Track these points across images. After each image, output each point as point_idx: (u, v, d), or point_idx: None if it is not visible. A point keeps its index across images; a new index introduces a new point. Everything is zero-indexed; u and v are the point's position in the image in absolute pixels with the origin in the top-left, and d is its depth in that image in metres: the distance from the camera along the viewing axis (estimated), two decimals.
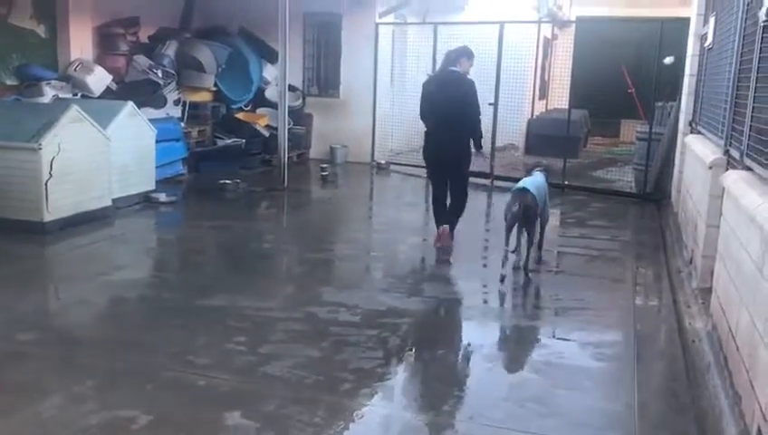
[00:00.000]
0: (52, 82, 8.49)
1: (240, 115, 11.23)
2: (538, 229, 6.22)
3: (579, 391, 3.75)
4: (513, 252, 5.94)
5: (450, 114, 6.32)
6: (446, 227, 6.57)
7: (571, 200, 9.40)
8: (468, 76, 6.50)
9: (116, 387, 3.60)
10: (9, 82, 8.40)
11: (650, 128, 9.46)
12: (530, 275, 5.81)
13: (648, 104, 10.01)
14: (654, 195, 9.29)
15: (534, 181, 6.14)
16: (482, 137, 6.65)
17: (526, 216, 5.77)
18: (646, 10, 14.47)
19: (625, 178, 10.25)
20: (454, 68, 6.43)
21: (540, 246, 6.36)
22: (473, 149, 6.61)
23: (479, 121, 6.53)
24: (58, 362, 3.90)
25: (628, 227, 8.31)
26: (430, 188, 7.18)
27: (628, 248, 7.06)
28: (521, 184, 6.03)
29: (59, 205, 6.50)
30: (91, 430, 3.14)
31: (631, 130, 11.71)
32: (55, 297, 5.35)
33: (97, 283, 5.38)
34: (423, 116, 6.63)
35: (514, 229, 5.87)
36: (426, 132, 6.65)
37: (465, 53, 6.52)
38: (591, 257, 6.63)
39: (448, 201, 6.69)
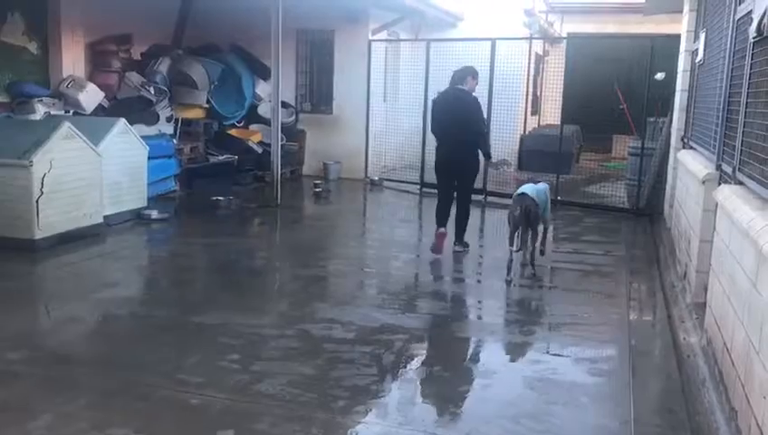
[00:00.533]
0: (44, 98, 8.47)
1: (233, 132, 11.22)
2: (541, 229, 6.68)
3: (574, 407, 3.73)
4: (517, 251, 6.30)
5: (457, 128, 6.79)
6: (444, 229, 6.89)
7: (564, 216, 9.41)
8: (473, 93, 6.98)
9: (107, 406, 3.55)
10: (1, 99, 8.38)
11: (642, 143, 9.50)
12: (535, 268, 6.28)
13: (639, 120, 10.07)
14: (646, 210, 9.32)
15: (534, 187, 6.57)
16: (489, 147, 7.37)
17: (527, 218, 6.18)
18: (636, 27, 14.59)
19: (617, 193, 10.28)
20: (460, 86, 6.93)
21: (543, 244, 6.80)
22: (482, 159, 7.19)
23: (485, 133, 7.39)
24: (48, 381, 3.84)
25: (622, 243, 8.32)
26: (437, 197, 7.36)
27: (622, 263, 7.06)
28: (521, 189, 6.53)
29: (50, 222, 6.46)
30: None
31: (623, 145, 11.75)
32: (46, 315, 5.29)
33: (88, 301, 5.34)
34: (433, 130, 7.20)
35: (518, 232, 6.26)
36: (436, 146, 7.16)
37: (470, 72, 7.01)
38: (585, 273, 6.63)
39: (453, 212, 7.12)
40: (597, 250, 7.54)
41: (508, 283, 6.00)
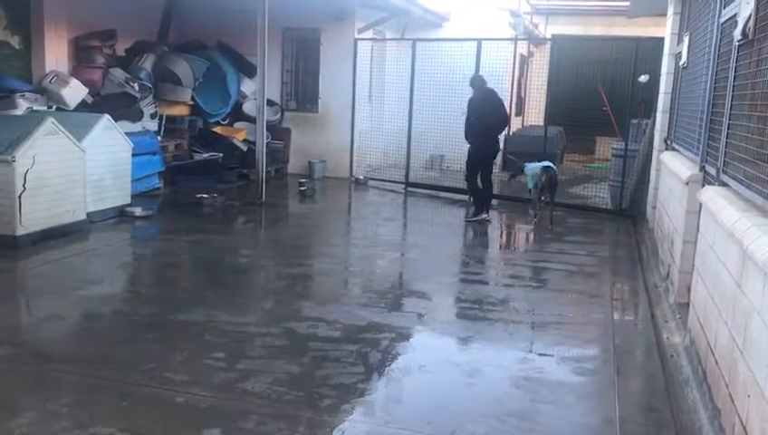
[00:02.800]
0: (27, 94, 8.35)
1: (217, 129, 11.17)
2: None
3: (560, 405, 3.75)
4: (535, 218, 8.82)
5: (491, 118, 8.59)
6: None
7: (548, 216, 9.44)
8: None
9: (91, 404, 3.51)
10: None
11: (626, 145, 9.58)
12: (553, 224, 8.39)
13: (623, 121, 10.15)
14: (630, 211, 9.39)
15: (548, 162, 8.78)
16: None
17: (552, 184, 8.61)
18: (620, 29, 14.71)
19: (601, 194, 10.35)
20: (489, 86, 8.77)
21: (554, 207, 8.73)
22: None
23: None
24: (30, 379, 3.80)
25: (605, 243, 8.37)
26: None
27: (605, 264, 7.11)
28: (543, 163, 8.71)
29: (32, 218, 6.39)
30: None
31: (607, 146, 11.82)
32: (27, 312, 5.23)
33: (71, 298, 5.29)
34: (470, 123, 8.70)
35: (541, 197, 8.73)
36: (471, 137, 8.76)
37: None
38: (569, 273, 6.67)
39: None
40: (581, 250, 7.59)
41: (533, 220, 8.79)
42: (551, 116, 11.12)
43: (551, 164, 8.67)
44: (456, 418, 3.56)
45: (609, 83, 15.05)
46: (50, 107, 8.51)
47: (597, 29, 16.31)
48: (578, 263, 7.02)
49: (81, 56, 9.47)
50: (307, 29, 11.94)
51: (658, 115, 8.52)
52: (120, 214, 7.89)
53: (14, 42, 8.72)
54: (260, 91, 9.34)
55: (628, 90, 9.62)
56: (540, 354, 4.53)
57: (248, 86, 11.51)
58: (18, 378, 3.81)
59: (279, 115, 11.87)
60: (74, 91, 8.84)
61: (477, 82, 8.80)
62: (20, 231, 6.28)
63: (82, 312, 5.04)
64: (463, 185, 10.53)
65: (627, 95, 9.75)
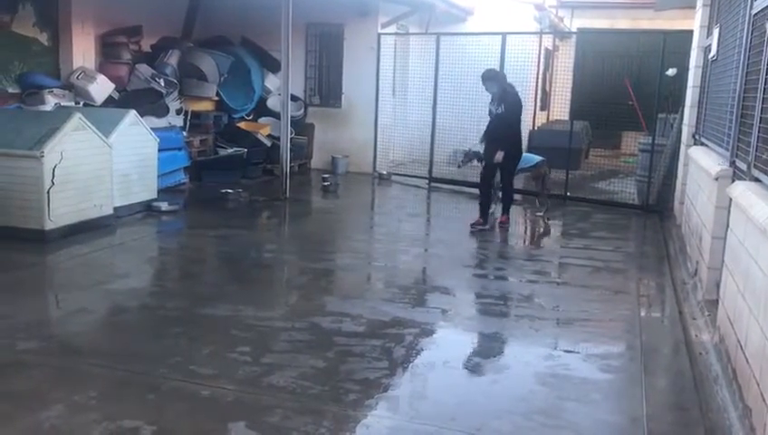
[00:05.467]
0: (55, 90, 8.48)
1: (242, 124, 11.22)
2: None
3: (586, 403, 3.71)
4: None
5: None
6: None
7: (574, 211, 9.39)
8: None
9: (118, 397, 3.56)
10: (11, 90, 8.39)
11: (653, 139, 9.45)
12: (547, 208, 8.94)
13: (650, 116, 10.01)
14: (657, 206, 9.27)
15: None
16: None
17: (546, 175, 9.11)
18: (647, 22, 14.52)
19: (627, 189, 10.23)
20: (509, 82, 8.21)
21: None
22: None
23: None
24: (59, 372, 3.86)
25: (631, 239, 8.29)
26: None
27: (632, 260, 7.03)
28: (539, 158, 9.07)
29: (60, 213, 6.47)
30: None
31: (633, 141, 11.69)
32: (56, 306, 5.31)
33: (98, 291, 5.35)
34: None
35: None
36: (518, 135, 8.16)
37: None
38: (595, 269, 6.60)
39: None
40: (606, 246, 7.50)
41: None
42: (576, 111, 11.05)
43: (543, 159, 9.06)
44: (480, 415, 3.55)
45: (636, 77, 14.90)
46: (77, 103, 8.62)
47: (623, 22, 16.11)
48: (604, 259, 6.95)
49: (107, 52, 9.57)
50: (330, 24, 11.93)
51: (686, 109, 8.40)
52: (147, 209, 7.96)
53: (43, 39, 8.84)
54: (284, 86, 9.36)
55: (656, 84, 9.48)
56: (565, 351, 4.49)
57: (272, 82, 11.55)
58: (47, 371, 3.86)
59: (302, 110, 11.89)
60: (101, 87, 8.95)
61: (493, 75, 8.03)
62: (48, 225, 6.36)
63: (110, 306, 5.10)
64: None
65: (654, 89, 9.61)
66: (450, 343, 4.72)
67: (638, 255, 7.30)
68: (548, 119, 15.59)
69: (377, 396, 3.67)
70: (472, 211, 9.97)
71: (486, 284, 6.19)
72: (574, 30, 16.59)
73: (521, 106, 7.95)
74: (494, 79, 7.91)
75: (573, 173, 10.71)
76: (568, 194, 10.01)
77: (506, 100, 7.78)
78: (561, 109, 13.48)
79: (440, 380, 4.01)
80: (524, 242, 8.45)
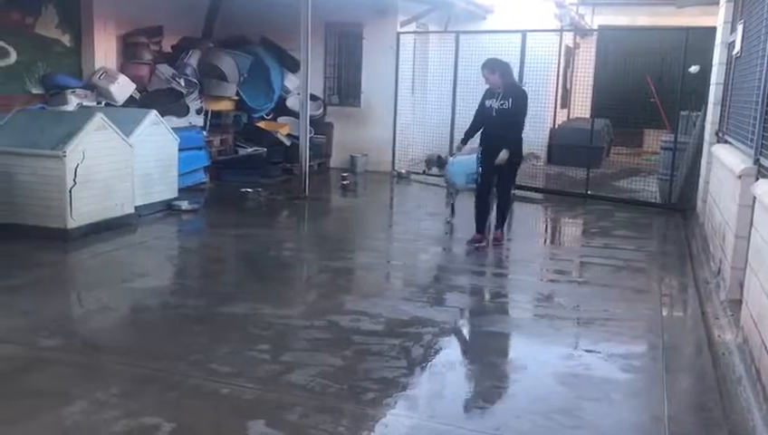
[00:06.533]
0: (77, 90, 8.57)
1: (261, 124, 11.27)
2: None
3: (606, 403, 3.68)
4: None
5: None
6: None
7: (595, 210, 9.31)
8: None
9: (139, 394, 3.58)
10: (35, 91, 8.50)
11: (675, 137, 9.35)
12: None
13: (672, 113, 9.90)
14: (679, 205, 9.17)
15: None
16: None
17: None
18: (669, 19, 14.34)
19: (649, 188, 10.13)
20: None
21: None
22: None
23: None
24: (81, 369, 3.90)
25: (653, 238, 8.20)
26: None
27: (654, 259, 6.96)
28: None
29: (82, 212, 6.54)
30: None
31: (655, 139, 11.57)
32: (78, 304, 5.36)
33: (119, 290, 5.40)
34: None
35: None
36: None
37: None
38: (616, 268, 6.54)
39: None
40: (628, 245, 7.43)
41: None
42: (597, 108, 10.94)
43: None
44: (500, 414, 3.53)
45: (658, 75, 14.74)
46: (99, 103, 8.71)
47: (644, 19, 15.93)
48: (625, 258, 6.88)
49: (128, 53, 9.65)
50: (350, 23, 11.94)
51: (709, 107, 8.29)
52: (167, 208, 8.03)
53: (66, 39, 8.94)
54: (303, 86, 9.38)
55: (678, 81, 9.37)
56: (586, 351, 4.44)
57: (291, 81, 11.58)
58: (70, 368, 3.90)
59: (322, 110, 11.92)
60: (122, 87, 9.03)
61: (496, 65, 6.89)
62: (71, 224, 6.43)
63: (131, 304, 5.14)
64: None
65: (676, 86, 9.50)
66: (469, 342, 4.71)
67: (660, 254, 7.23)
68: (568, 117, 15.49)
69: (395, 395, 3.66)
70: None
71: (506, 283, 6.17)
72: (595, 27, 16.45)
73: (527, 102, 7.00)
74: (496, 69, 6.80)
75: (594, 171, 10.63)
76: (589, 192, 9.93)
77: (513, 94, 6.77)
78: (581, 107, 13.36)
79: (459, 379, 4.00)
80: (545, 241, 8.40)
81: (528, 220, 9.49)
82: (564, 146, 12.76)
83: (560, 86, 14.67)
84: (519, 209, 9.72)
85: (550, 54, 11.65)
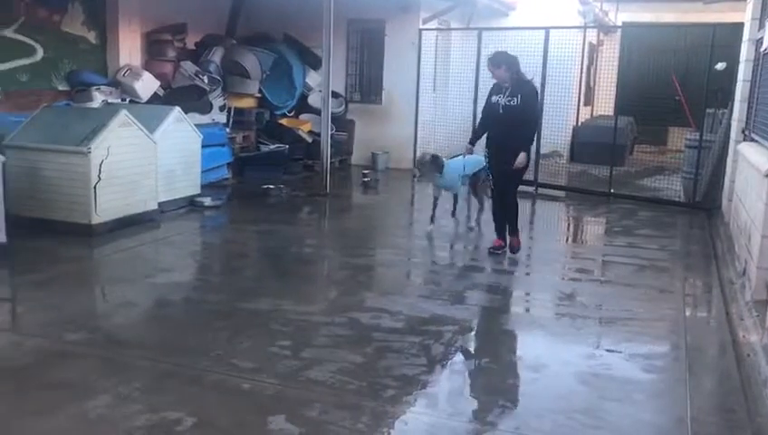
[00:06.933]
0: (102, 87, 8.67)
1: (283, 121, 11.33)
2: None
3: (628, 403, 3.65)
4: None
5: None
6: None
7: (618, 209, 9.23)
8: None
9: (161, 389, 3.62)
10: (61, 88, 8.61)
11: (700, 135, 9.23)
12: None
13: (697, 111, 9.78)
14: (704, 204, 9.05)
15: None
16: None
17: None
18: (695, 15, 14.16)
19: (673, 186, 10.01)
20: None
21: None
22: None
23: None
24: (105, 363, 3.94)
25: (677, 237, 8.11)
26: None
27: (677, 258, 6.89)
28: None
29: (107, 208, 6.61)
30: (138, 431, 3.17)
31: (679, 137, 11.43)
32: (102, 298, 5.43)
33: (143, 285, 5.46)
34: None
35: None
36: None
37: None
38: (639, 267, 6.47)
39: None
40: (651, 244, 7.35)
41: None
42: (621, 106, 10.85)
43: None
44: (520, 413, 3.52)
45: (683, 72, 14.56)
46: (124, 99, 8.80)
47: (669, 15, 15.75)
48: (648, 257, 6.81)
49: (153, 50, 9.74)
50: (372, 20, 11.94)
51: (736, 104, 8.18)
52: (190, 204, 8.09)
53: (91, 37, 9.04)
54: (324, 83, 9.40)
55: (704, 78, 9.25)
56: (607, 350, 4.41)
57: (314, 78, 11.61)
58: (93, 362, 3.95)
59: (343, 107, 11.94)
60: (147, 84, 9.12)
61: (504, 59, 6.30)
62: (95, 220, 6.51)
63: (154, 299, 5.20)
64: (526, 175, 10.42)
65: (702, 84, 9.38)
66: (489, 340, 4.70)
67: (683, 253, 7.15)
68: (592, 114, 15.36)
69: (415, 392, 3.66)
70: None
71: (528, 281, 6.14)
72: (619, 24, 16.28)
73: (537, 99, 6.54)
74: (501, 63, 6.24)
75: (617, 170, 10.50)
76: (612, 191, 9.84)
77: (522, 90, 6.18)
78: (605, 104, 13.24)
79: (479, 377, 3.99)
80: (567, 240, 8.34)
81: (550, 219, 9.43)
82: (587, 144, 12.66)
83: (583, 84, 14.55)
84: (541, 207, 9.68)
85: (573, 52, 11.55)
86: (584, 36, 13.60)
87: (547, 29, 10.28)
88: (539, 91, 6.42)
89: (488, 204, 7.29)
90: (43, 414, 3.30)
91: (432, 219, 7.57)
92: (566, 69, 11.07)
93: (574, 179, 11.15)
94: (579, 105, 14.39)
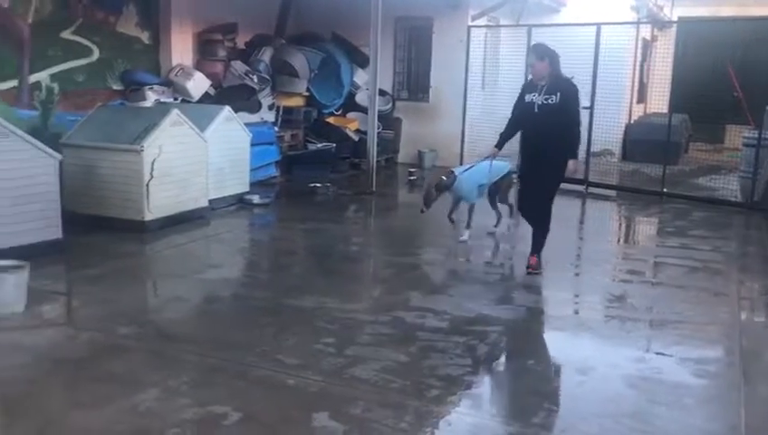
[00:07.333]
0: (155, 86, 8.86)
1: (331, 120, 11.39)
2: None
3: (678, 408, 3.56)
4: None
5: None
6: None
7: (671, 209, 9.00)
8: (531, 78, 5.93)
9: (209, 383, 3.69)
10: (115, 87, 8.83)
11: (759, 133, 8.93)
12: None
13: (757, 108, 9.46)
14: (761, 204, 8.75)
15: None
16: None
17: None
18: (756, 9, 13.70)
19: (729, 186, 9.72)
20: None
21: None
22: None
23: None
24: (154, 357, 4.04)
25: (733, 238, 7.87)
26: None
27: (733, 260, 6.68)
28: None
29: (159, 205, 6.76)
30: (185, 424, 3.23)
31: (737, 135, 11.08)
32: (153, 293, 5.56)
33: (192, 280, 5.56)
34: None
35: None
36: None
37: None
38: (692, 269, 6.30)
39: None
40: (705, 246, 7.15)
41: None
42: (675, 103, 10.58)
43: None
44: (566, 416, 3.47)
45: (742, 68, 14.10)
46: (176, 99, 8.98)
47: (727, 10, 15.25)
48: (702, 259, 6.63)
49: (204, 50, 9.90)
50: (419, 17, 11.92)
51: None
52: (239, 201, 8.21)
53: (144, 37, 9.25)
54: (372, 81, 9.42)
55: (764, 74, 8.94)
56: (657, 354, 4.31)
57: (361, 77, 11.65)
58: (144, 356, 4.05)
59: (390, 105, 11.95)
60: (198, 84, 9.29)
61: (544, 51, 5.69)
62: (148, 217, 6.66)
63: (203, 294, 5.29)
64: (576, 173, 10.25)
65: (762, 80, 9.07)
66: (535, 341, 4.64)
67: (739, 255, 6.93)
68: (645, 112, 15.02)
69: (459, 392, 3.64)
70: (563, 207, 9.68)
71: (576, 282, 6.04)
72: (674, 19, 15.87)
73: (578, 99, 5.72)
74: (545, 56, 5.62)
75: (671, 168, 10.27)
76: (665, 190, 9.60)
77: (561, 88, 5.55)
78: (659, 101, 12.93)
79: (524, 379, 3.94)
80: (618, 240, 8.18)
81: (601, 218, 9.27)
82: (640, 142, 12.40)
83: (636, 80, 14.23)
84: (591, 207, 9.53)
85: (626, 48, 11.31)
86: (637, 32, 13.31)
87: (598, 25, 10.09)
88: (578, 91, 5.68)
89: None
90: (95, 407, 3.39)
91: (468, 225, 7.00)
92: (618, 66, 10.85)
93: (626, 178, 10.93)
94: (632, 102, 14.09)
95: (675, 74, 11.09)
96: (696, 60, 13.92)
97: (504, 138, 6.16)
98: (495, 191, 7.23)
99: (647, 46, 15.33)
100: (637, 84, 14.41)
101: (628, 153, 13.01)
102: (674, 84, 10.61)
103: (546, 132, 5.56)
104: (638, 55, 14.17)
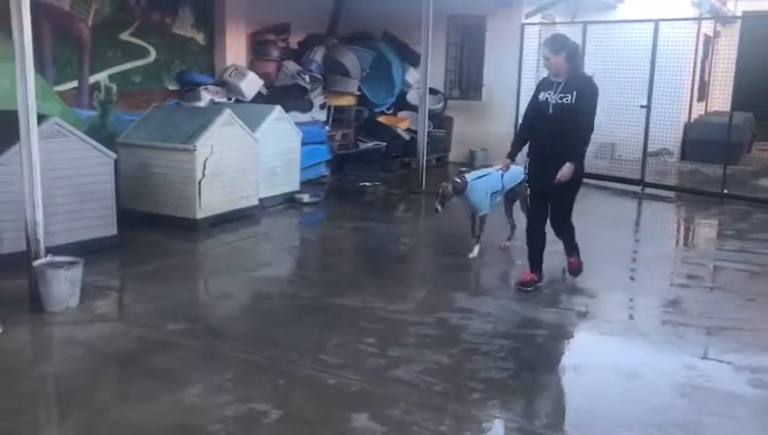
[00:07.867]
0: (209, 86, 9.04)
1: (382, 119, 11.39)
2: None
3: (730, 419, 3.43)
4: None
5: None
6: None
7: (731, 211, 8.70)
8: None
9: (251, 381, 3.73)
10: (171, 87, 9.05)
11: None
12: None
13: None
14: None
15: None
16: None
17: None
18: None
19: None
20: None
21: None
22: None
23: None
24: (201, 353, 4.11)
25: None
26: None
27: None
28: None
29: (210, 203, 6.88)
30: (227, 420, 3.28)
31: None
32: (203, 290, 5.66)
33: (242, 278, 5.64)
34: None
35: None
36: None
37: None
38: (752, 274, 6.08)
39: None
40: (766, 249, 6.87)
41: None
42: (738, 101, 10.20)
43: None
44: (610, 424, 3.38)
45: None
46: (229, 99, 9.14)
47: None
48: (763, 263, 6.38)
49: (257, 50, 10.05)
50: (472, 16, 11.81)
51: None
52: (289, 200, 8.29)
53: (199, 38, 9.45)
54: (422, 80, 9.39)
55: None
56: (711, 361, 4.17)
57: (412, 76, 11.62)
58: (191, 352, 4.13)
59: (442, 104, 11.88)
60: (251, 84, 9.43)
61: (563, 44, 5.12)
62: (199, 215, 6.79)
63: (251, 292, 5.36)
64: (632, 174, 9.99)
65: None
66: (582, 346, 4.53)
67: None
68: (706, 110, 14.56)
69: (501, 397, 3.59)
70: (617, 207, 9.45)
71: (628, 285, 5.88)
72: (739, 14, 15.32)
73: (597, 99, 5.03)
74: (561, 49, 5.03)
75: (732, 168, 9.92)
76: (725, 191, 9.28)
77: (578, 86, 4.97)
78: (721, 100, 12.51)
79: (569, 384, 3.86)
80: (675, 243, 7.94)
81: (657, 220, 9.01)
82: (700, 141, 12.01)
83: (697, 78, 13.79)
84: (648, 208, 9.30)
85: (685, 44, 10.96)
86: (699, 28, 12.88)
87: (656, 21, 9.82)
88: (598, 91, 5.02)
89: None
90: (141, 400, 3.48)
91: (478, 234, 6.43)
92: (678, 63, 10.53)
93: (684, 179, 10.61)
94: (691, 101, 13.67)
95: (738, 72, 10.68)
96: (761, 56, 13.39)
97: (516, 145, 5.57)
98: (512, 199, 6.54)
99: (708, 43, 14.83)
100: (698, 82, 13.96)
101: (687, 153, 12.64)
102: (737, 82, 10.23)
103: (560, 131, 4.98)
104: (700, 52, 13.72)
